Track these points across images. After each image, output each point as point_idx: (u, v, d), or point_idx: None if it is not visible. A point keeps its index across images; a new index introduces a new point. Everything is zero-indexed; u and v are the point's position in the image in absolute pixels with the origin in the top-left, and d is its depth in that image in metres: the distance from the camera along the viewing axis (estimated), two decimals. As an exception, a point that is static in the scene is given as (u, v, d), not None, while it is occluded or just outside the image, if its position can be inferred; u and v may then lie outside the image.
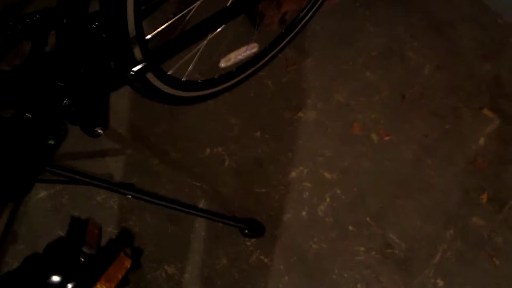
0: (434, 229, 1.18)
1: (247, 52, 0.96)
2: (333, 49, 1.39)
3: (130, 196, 0.99)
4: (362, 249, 1.11)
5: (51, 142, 0.76)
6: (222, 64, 0.93)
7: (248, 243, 1.05)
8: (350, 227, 1.13)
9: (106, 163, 1.04)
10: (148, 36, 0.73)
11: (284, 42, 1.16)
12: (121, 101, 1.11)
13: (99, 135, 0.75)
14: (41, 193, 0.97)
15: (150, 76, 0.78)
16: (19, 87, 0.67)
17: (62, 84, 0.68)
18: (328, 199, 1.14)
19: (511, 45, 1.60)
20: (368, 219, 1.15)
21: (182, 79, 0.88)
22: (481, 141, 1.36)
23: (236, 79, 1.07)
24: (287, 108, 1.25)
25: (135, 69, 0.71)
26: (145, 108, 1.12)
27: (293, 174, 1.16)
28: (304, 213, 1.11)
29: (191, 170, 1.09)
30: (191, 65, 0.88)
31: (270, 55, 1.14)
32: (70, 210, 0.97)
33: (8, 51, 0.63)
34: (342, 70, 1.36)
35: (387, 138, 1.28)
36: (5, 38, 0.62)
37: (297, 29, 1.17)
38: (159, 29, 0.75)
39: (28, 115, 0.68)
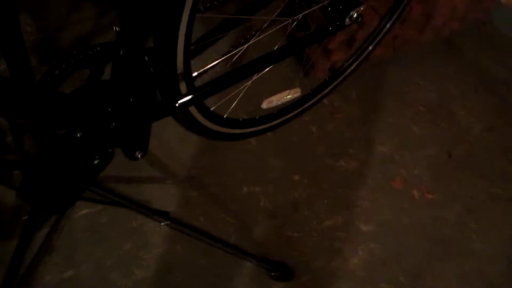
0: (473, 299, 1.10)
1: (290, 96, 0.99)
2: (380, 100, 1.39)
3: (163, 224, 1.03)
4: (392, 309, 1.05)
5: (96, 162, 0.81)
6: (264, 105, 0.97)
7: (274, 287, 1.03)
8: (382, 286, 1.08)
9: (147, 189, 1.08)
10: (195, 74, 0.78)
11: (327, 89, 1.18)
12: (167, 131, 1.17)
13: (138, 158, 0.80)
14: (82, 210, 1.03)
15: (193, 110, 0.83)
16: (74, 109, 0.74)
17: (111, 110, 0.73)
18: (360, 252, 1.11)
19: None
20: (401, 279, 1.09)
21: (224, 116, 0.92)
22: (533, 209, 1.27)
23: (277, 121, 1.10)
24: (329, 155, 1.25)
25: (179, 102, 0.76)
26: (191, 140, 1.17)
27: (328, 222, 1.14)
28: (334, 263, 1.08)
29: (227, 206, 1.11)
30: (234, 103, 0.92)
31: (312, 101, 1.16)
32: (107, 230, 1.02)
33: (69, 76, 0.70)
34: (388, 122, 1.35)
35: (429, 196, 1.24)
36: (68, 65, 0.69)
37: (341, 78, 1.19)
38: (205, 68, 0.80)
39: (78, 134, 0.74)
